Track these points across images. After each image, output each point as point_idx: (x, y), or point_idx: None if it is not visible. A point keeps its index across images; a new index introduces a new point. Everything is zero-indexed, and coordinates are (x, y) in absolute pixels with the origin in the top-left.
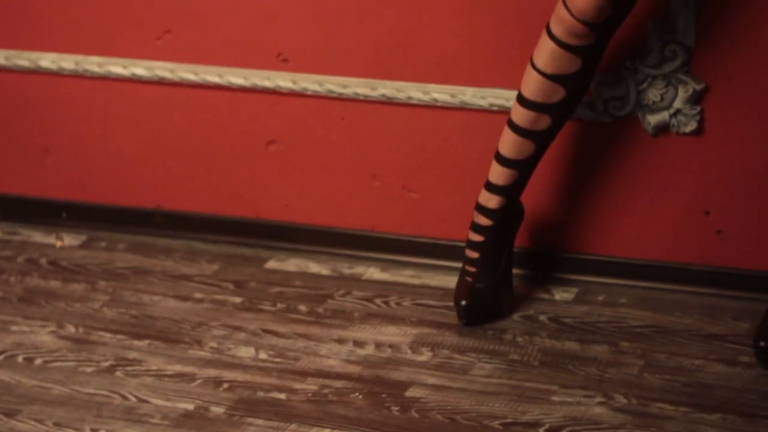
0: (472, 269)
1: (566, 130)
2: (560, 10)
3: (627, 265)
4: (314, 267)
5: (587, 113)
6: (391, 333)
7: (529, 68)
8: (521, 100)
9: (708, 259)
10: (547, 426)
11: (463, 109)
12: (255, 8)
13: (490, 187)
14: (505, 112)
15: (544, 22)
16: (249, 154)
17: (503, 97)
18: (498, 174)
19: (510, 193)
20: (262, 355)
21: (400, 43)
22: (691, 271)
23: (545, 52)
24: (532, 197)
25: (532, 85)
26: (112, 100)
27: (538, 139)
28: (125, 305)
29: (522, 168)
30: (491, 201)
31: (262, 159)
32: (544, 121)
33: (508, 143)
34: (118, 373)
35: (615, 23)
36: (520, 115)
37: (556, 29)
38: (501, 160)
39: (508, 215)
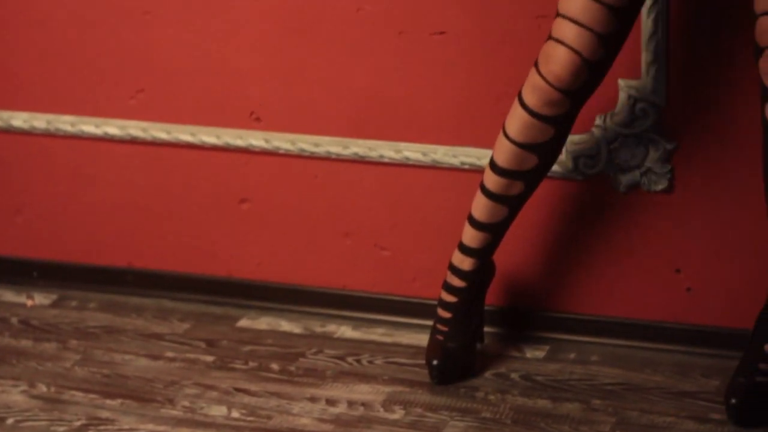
0: (444, 328)
1: (539, 188)
2: (535, 78)
3: (598, 322)
4: (286, 325)
5: (559, 171)
6: (363, 391)
7: (502, 137)
8: (494, 167)
9: (679, 317)
10: None
11: (435, 167)
12: (228, 67)
13: (464, 250)
14: (476, 170)
15: (514, 83)
16: (221, 213)
17: (474, 156)
18: (471, 237)
19: (484, 254)
20: (235, 414)
21: (372, 102)
22: (661, 328)
23: (518, 122)
24: (504, 255)
25: (504, 153)
26: (84, 159)
27: (511, 204)
28: (97, 364)
29: (495, 231)
30: (465, 263)
31: (234, 217)
32: (518, 187)
33: (481, 207)
34: None
35: (590, 90)
36: (493, 182)
37: (529, 99)
38: (474, 223)
39: (481, 275)
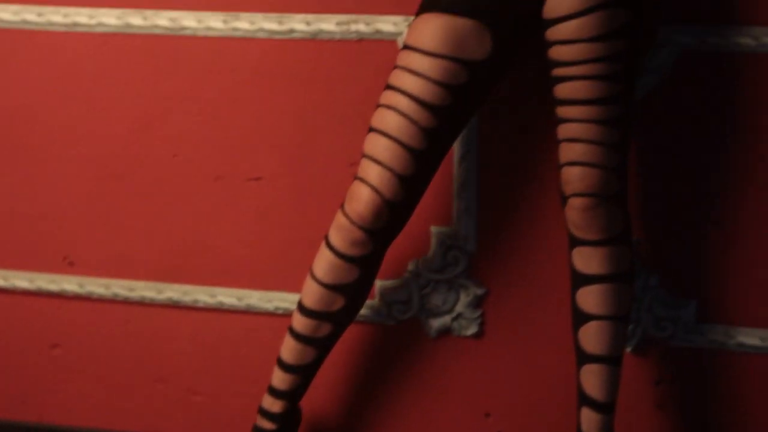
0: None
1: (350, 332)
2: (340, 218)
3: None
4: None
5: (371, 316)
6: None
7: (309, 278)
8: (302, 308)
9: None
10: None
11: (250, 312)
12: (41, 211)
13: (274, 392)
14: (290, 315)
15: (328, 228)
16: (32, 358)
17: (289, 301)
18: (281, 379)
19: (293, 397)
20: None
21: (187, 247)
22: None
23: (324, 263)
24: (315, 398)
25: (312, 294)
26: None
27: (319, 346)
28: None
29: (304, 373)
30: (275, 406)
31: (45, 362)
32: (326, 329)
33: (290, 349)
34: None
35: (393, 231)
36: (301, 324)
37: (335, 239)
38: (283, 365)
39: (291, 418)
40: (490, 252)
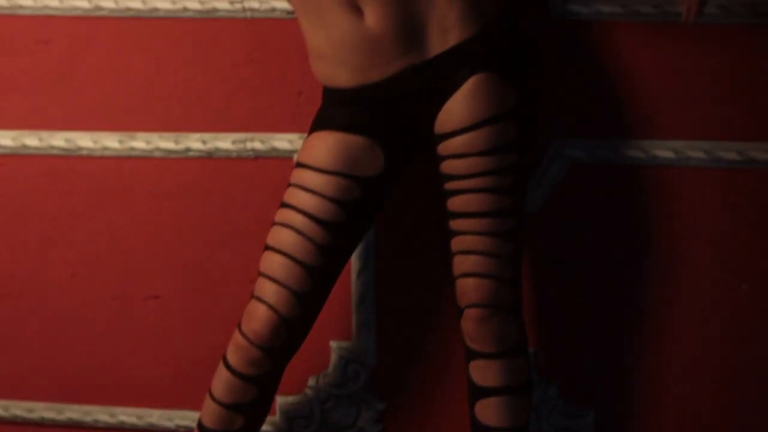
0: None
1: None
2: (237, 338)
3: None
4: None
5: None
6: None
7: (208, 398)
8: (202, 428)
9: None
10: None
11: (151, 431)
12: None
13: None
14: None
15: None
16: None
17: (190, 419)
18: None
19: None
20: None
21: (87, 367)
22: None
23: (222, 383)
24: None
25: (211, 414)
26: None
27: None
28: None
29: None
30: None
31: None
32: None
33: None
34: None
35: (291, 349)
36: None
37: (232, 359)
38: None
39: None
40: (390, 365)
